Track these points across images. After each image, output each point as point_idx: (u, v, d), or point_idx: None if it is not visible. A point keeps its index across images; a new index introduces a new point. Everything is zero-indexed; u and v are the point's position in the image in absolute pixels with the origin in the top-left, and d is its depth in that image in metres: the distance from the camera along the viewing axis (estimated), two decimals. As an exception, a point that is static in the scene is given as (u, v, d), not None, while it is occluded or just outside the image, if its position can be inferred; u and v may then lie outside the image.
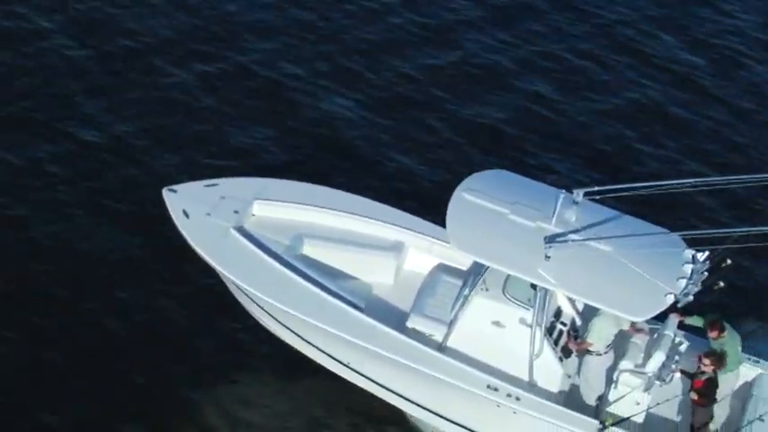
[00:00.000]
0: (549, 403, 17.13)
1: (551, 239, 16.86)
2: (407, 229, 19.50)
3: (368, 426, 18.95)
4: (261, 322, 19.10)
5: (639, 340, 18.19)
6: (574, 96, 26.16)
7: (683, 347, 18.35)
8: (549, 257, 16.69)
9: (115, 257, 21.13)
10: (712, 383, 17.15)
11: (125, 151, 23.41)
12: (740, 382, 18.44)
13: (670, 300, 16.58)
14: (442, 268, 19.04)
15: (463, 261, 18.70)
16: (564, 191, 17.50)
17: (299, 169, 22.83)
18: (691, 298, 16.63)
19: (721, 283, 16.79)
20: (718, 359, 17.11)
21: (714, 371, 17.11)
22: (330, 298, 17.81)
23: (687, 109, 26.42)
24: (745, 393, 18.22)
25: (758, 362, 18.53)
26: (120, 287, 20.59)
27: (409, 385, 17.96)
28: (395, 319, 18.26)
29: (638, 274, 16.87)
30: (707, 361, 17.08)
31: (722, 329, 17.49)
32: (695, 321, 17.96)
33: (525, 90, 26.31)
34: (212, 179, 19.55)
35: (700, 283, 16.80)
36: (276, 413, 19.07)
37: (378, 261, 19.21)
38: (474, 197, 17.59)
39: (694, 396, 17.20)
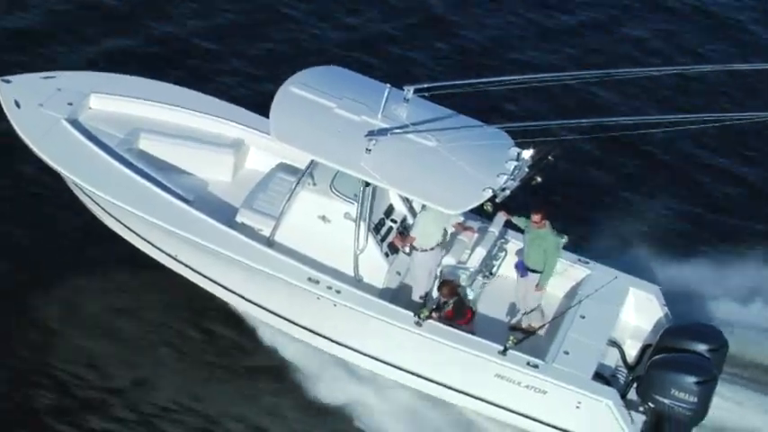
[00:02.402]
0: (367, 296, 17.19)
1: (373, 133, 16.85)
2: (249, 127, 19.42)
3: (201, 319, 18.92)
4: (97, 216, 19.02)
5: (466, 238, 18.32)
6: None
7: (508, 245, 18.56)
8: (369, 150, 16.69)
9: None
10: (461, 305, 17.30)
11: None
12: (571, 283, 18.66)
13: (487, 195, 16.62)
14: (281, 166, 19.00)
15: (303, 160, 18.64)
16: (393, 86, 17.43)
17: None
18: (508, 193, 16.69)
19: (539, 179, 16.85)
20: (451, 288, 17.17)
21: (456, 296, 17.21)
22: (156, 189, 17.73)
23: (516, 10, 26.68)
24: (572, 293, 18.41)
25: (587, 263, 18.70)
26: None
27: (235, 278, 17.99)
28: (228, 214, 18.23)
29: (460, 169, 16.90)
30: (443, 292, 17.17)
31: (545, 218, 17.52)
32: (521, 222, 18.04)
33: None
34: (50, 71, 19.33)
35: (519, 180, 16.85)
36: (112, 310, 19.01)
37: (215, 158, 19.16)
38: (301, 90, 17.52)
39: (451, 325, 17.20)
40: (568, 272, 18.60)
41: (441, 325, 17.08)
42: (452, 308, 17.12)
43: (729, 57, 26.08)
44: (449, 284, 17.22)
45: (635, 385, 17.52)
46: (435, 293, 17.68)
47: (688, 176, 23.52)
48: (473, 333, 17.27)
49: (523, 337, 17.13)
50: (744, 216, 22.94)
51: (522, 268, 17.83)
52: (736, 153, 24.15)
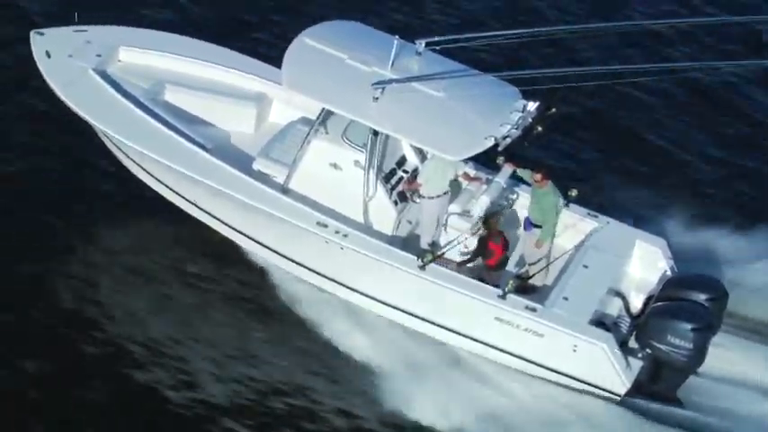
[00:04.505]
0: (372, 240, 17.75)
1: (381, 82, 17.39)
2: (273, 81, 20.06)
3: (217, 263, 19.57)
4: (124, 164, 19.82)
5: (474, 188, 18.79)
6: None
7: (513, 196, 19.00)
8: (376, 99, 17.25)
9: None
10: (484, 244, 17.77)
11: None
12: (579, 236, 19.05)
13: (489, 143, 17.08)
14: (301, 119, 19.61)
15: None
16: (404, 40, 17.93)
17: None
18: (509, 141, 17.12)
19: (540, 129, 17.26)
20: (493, 221, 17.71)
21: (500, 234, 17.75)
22: (175, 136, 18.40)
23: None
24: (580, 245, 18.80)
25: (596, 216, 19.09)
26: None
27: (250, 223, 18.65)
28: (247, 163, 18.88)
29: (464, 118, 17.41)
30: (488, 224, 17.68)
31: (547, 178, 17.97)
32: (526, 174, 18.46)
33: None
34: (81, 25, 20.14)
35: (521, 130, 17.29)
36: (136, 251, 19.79)
37: (239, 110, 19.84)
38: (315, 42, 18.12)
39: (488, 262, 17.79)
40: (577, 225, 19.01)
41: (443, 269, 17.59)
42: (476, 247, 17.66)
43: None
44: (494, 216, 17.78)
45: (635, 333, 17.88)
46: (442, 240, 18.19)
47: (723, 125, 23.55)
48: (498, 281, 17.77)
49: (522, 283, 17.58)
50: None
51: (528, 224, 18.27)
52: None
